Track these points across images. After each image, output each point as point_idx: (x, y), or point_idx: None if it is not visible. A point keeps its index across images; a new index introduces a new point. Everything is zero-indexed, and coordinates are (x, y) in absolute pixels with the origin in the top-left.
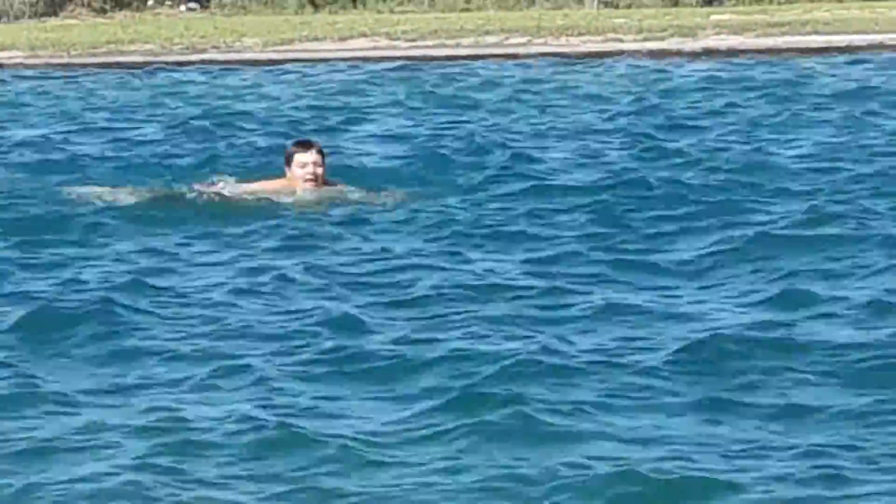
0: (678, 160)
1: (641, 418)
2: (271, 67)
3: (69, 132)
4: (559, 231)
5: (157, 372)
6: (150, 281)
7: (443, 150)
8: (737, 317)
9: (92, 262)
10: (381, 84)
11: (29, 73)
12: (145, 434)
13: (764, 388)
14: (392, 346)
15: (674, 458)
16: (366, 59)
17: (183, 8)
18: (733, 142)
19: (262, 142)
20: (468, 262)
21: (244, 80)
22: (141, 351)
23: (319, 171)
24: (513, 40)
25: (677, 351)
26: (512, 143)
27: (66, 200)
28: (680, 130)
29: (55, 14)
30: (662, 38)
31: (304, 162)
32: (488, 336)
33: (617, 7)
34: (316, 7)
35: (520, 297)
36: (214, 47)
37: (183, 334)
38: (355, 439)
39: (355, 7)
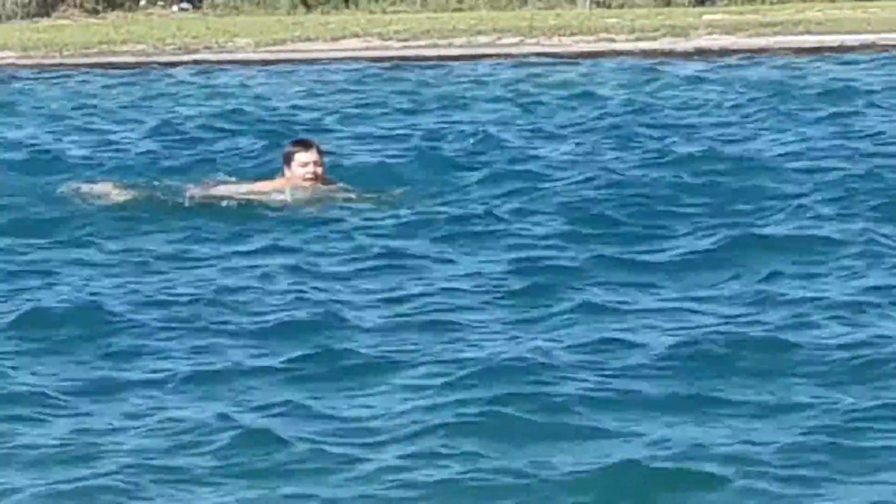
0: (667, 159)
1: (625, 416)
2: (264, 67)
3: (61, 132)
4: (547, 230)
5: (147, 371)
6: (142, 280)
7: (434, 150)
8: (721, 316)
9: (86, 262)
10: (373, 84)
11: (21, 73)
12: (132, 433)
13: (748, 386)
14: (380, 347)
15: (658, 457)
16: (358, 60)
17: (175, 8)
18: (722, 141)
19: (257, 142)
20: (455, 262)
21: (237, 80)
22: (129, 350)
23: (319, 170)
24: (505, 40)
25: (661, 350)
26: (505, 143)
27: (57, 200)
28: (670, 129)
29: (47, 15)
30: (655, 38)
31: (305, 161)
32: (472, 336)
33: (609, 7)
34: (308, 7)
35: (508, 297)
36: (207, 48)
37: (172, 334)
38: (337, 437)
39: (347, 7)
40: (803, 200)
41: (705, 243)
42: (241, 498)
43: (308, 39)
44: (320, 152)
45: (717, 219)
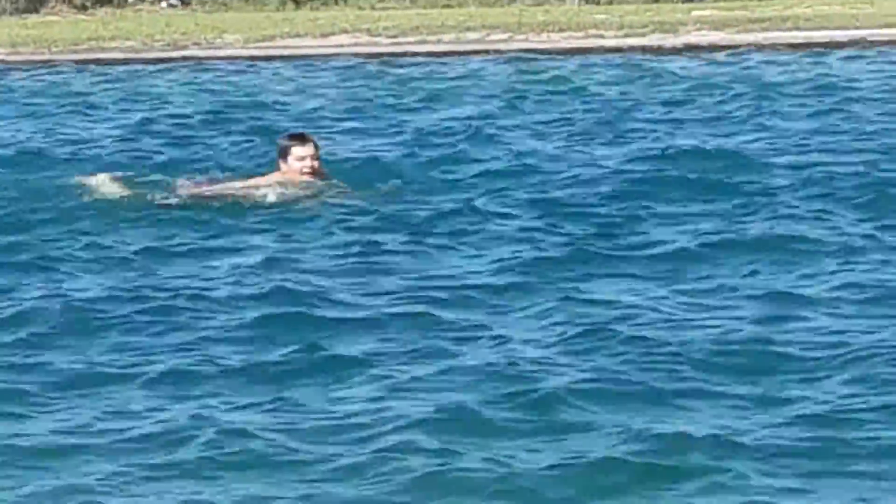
0: (655, 155)
1: (608, 410)
2: (253, 63)
3: (49, 129)
4: (533, 225)
5: (126, 367)
6: (128, 275)
7: (423, 146)
8: (704, 310)
9: (73, 257)
10: (362, 80)
11: (10, 69)
12: (110, 431)
13: (731, 380)
14: (362, 342)
15: (641, 450)
16: (347, 56)
17: (164, 4)
18: (710, 137)
19: (246, 138)
20: (441, 257)
21: (226, 76)
22: (110, 346)
23: (316, 164)
24: (494, 36)
25: (644, 344)
26: (494, 139)
27: (43, 196)
28: (658, 125)
29: (36, 11)
30: (643, 35)
31: (302, 155)
32: (456, 331)
33: (598, 3)
34: (297, 3)
35: (493, 291)
36: (195, 44)
37: (152, 329)
38: (316, 433)
39: (336, 3)
40: (788, 196)
41: (691, 238)
42: (218, 494)
43: (297, 35)
44: (317, 147)
45: (702, 214)
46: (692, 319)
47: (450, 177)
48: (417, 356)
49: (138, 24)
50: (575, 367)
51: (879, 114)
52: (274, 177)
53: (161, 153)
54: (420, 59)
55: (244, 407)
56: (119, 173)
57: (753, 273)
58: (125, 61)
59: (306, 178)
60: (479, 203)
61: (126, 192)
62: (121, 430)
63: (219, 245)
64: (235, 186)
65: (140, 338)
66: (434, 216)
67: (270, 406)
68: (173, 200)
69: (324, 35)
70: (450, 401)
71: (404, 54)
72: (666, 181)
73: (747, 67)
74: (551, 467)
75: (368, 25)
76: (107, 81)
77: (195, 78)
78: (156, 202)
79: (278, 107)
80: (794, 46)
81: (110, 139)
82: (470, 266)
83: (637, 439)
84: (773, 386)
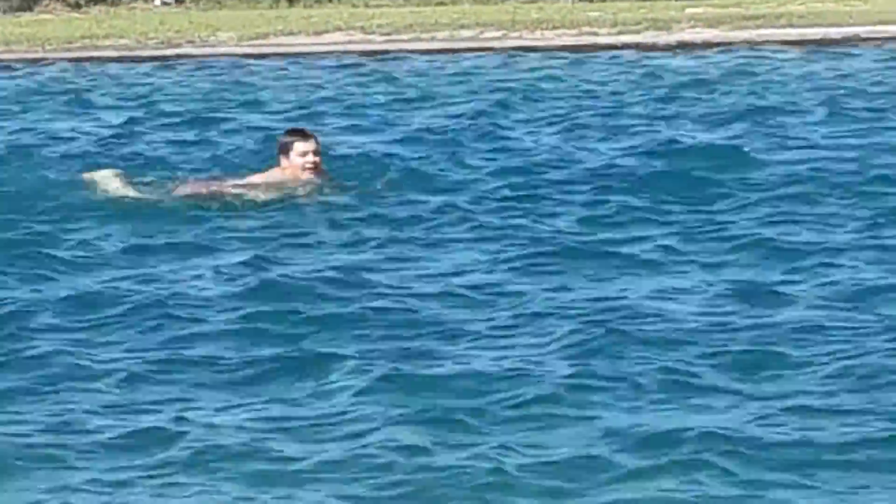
0: (647, 151)
1: (599, 404)
2: (247, 61)
3: (43, 126)
4: (525, 222)
5: (101, 363)
6: (125, 274)
7: (419, 143)
8: (694, 306)
9: (74, 257)
10: (356, 77)
11: (4, 67)
12: (84, 429)
13: (723, 374)
14: (344, 339)
15: (631, 444)
16: (341, 53)
17: (158, 2)
18: (701, 133)
19: (242, 136)
20: (431, 254)
21: (221, 74)
22: (94, 342)
23: (318, 159)
24: (488, 34)
25: (633, 339)
26: (489, 136)
27: (33, 193)
28: (652, 122)
29: (30, 9)
30: (637, 32)
31: (305, 150)
32: (438, 332)
33: (591, 0)
34: (290, 1)
35: (484, 288)
36: (189, 42)
37: (149, 326)
38: (294, 432)
39: (330, 1)
40: (778, 192)
41: (681, 235)
42: (203, 492)
43: (291, 33)
44: (318, 142)
45: (692, 211)
46: (680, 315)
47: (443, 174)
48: (406, 353)
49: (132, 23)
50: (564, 362)
51: (871, 110)
52: (274, 173)
53: (155, 151)
54: (414, 56)
55: (231, 405)
56: (118, 171)
57: (743, 269)
58: (119, 59)
59: (308, 173)
60: (471, 200)
61: (123, 190)
62: (104, 428)
63: (216, 243)
64: (234, 184)
65: (129, 333)
66: (426, 213)
67: (258, 404)
68: (170, 198)
69: (317, 33)
70: (438, 398)
71: (398, 52)
72: (659, 177)
73: (740, 64)
74: (539, 464)
75: (362, 23)
76: (100, 79)
77: (189, 76)
78: (152, 200)
79: (272, 104)
80: (788, 43)
81: (104, 137)
82: (462, 263)
83: (624, 434)
84: (761, 381)
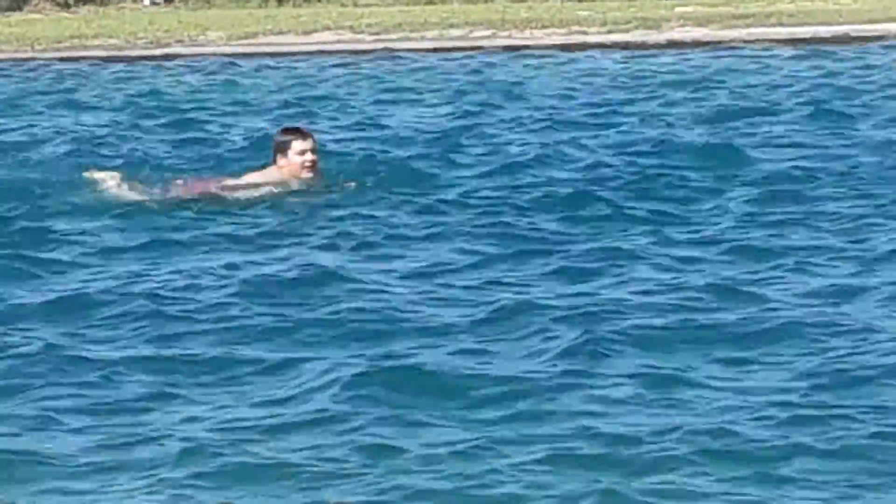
0: (636, 150)
1: (588, 400)
2: (236, 61)
3: (35, 126)
4: (514, 220)
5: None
6: (118, 274)
7: (409, 142)
8: (668, 305)
9: (68, 255)
10: (345, 76)
11: None
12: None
13: (714, 368)
14: (345, 342)
15: (624, 437)
16: (330, 53)
17: (147, 2)
18: (694, 131)
19: (231, 135)
20: (415, 253)
21: (210, 73)
22: (102, 340)
23: (316, 157)
24: (477, 33)
25: (624, 334)
26: (477, 134)
27: (32, 192)
28: (643, 120)
29: (19, 9)
30: (627, 31)
31: (304, 149)
32: (435, 324)
33: (581, 0)
34: (280, 1)
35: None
36: (178, 41)
37: (142, 325)
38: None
39: (319, 1)
40: (764, 191)
41: (665, 233)
42: (167, 490)
43: (280, 33)
44: (315, 141)
45: (680, 210)
46: (665, 313)
47: (431, 172)
48: (389, 353)
49: (121, 22)
50: (545, 359)
51: (862, 107)
52: (271, 172)
53: (144, 151)
54: (403, 55)
55: (214, 404)
56: (115, 172)
57: (728, 267)
58: (108, 59)
59: (307, 172)
60: (458, 199)
61: (119, 190)
62: (85, 428)
63: (210, 242)
64: (231, 184)
65: (115, 333)
66: (413, 212)
67: (241, 403)
68: (166, 199)
69: (306, 32)
70: (421, 396)
71: (387, 51)
72: (644, 176)
73: (729, 63)
74: (523, 462)
75: (351, 22)
76: (89, 79)
77: (178, 75)
78: (148, 200)
79: (261, 104)
80: (778, 42)
81: (94, 137)
82: (445, 261)
83: (606, 432)
84: (745, 378)
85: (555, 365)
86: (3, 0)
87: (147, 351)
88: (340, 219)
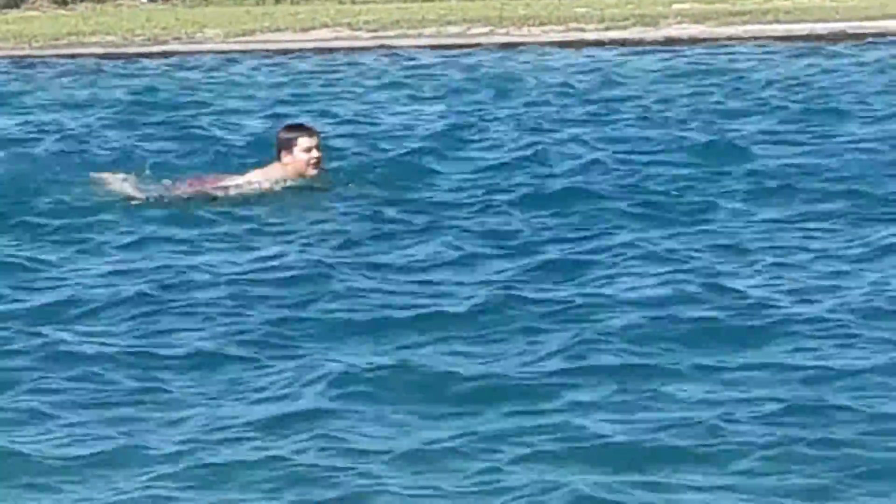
0: (632, 148)
1: (586, 392)
2: (233, 58)
3: (33, 125)
4: (509, 219)
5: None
6: (116, 271)
7: (405, 139)
8: (659, 303)
9: (72, 257)
10: (342, 74)
11: None
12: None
13: (710, 361)
14: (341, 341)
15: (621, 430)
16: (328, 50)
17: None
18: (690, 129)
19: (228, 132)
20: (410, 253)
21: (207, 71)
22: (97, 336)
23: (321, 154)
24: (475, 30)
25: (618, 331)
26: (473, 132)
27: (29, 190)
28: (639, 119)
29: (17, 6)
30: (624, 28)
31: (309, 146)
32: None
33: None
34: None
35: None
36: (176, 39)
37: (137, 323)
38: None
39: None
40: (758, 188)
41: (658, 231)
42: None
43: (277, 30)
44: (319, 138)
45: (673, 208)
46: (655, 312)
47: (427, 170)
48: (383, 351)
49: (118, 19)
50: (534, 359)
51: (858, 105)
52: (275, 168)
53: (142, 148)
54: (400, 52)
55: (204, 401)
56: (121, 173)
57: (720, 265)
58: (106, 56)
59: (312, 169)
60: (451, 197)
61: (122, 187)
62: (81, 423)
63: (213, 240)
64: (231, 181)
65: (110, 328)
66: (409, 208)
67: (232, 400)
68: (170, 197)
69: (304, 29)
70: (413, 394)
71: (385, 48)
72: (636, 174)
73: (727, 61)
74: (513, 459)
75: (349, 19)
76: (87, 76)
77: (176, 73)
78: (144, 197)
79: (258, 101)
80: (774, 39)
81: (92, 135)
82: (437, 260)
83: (598, 430)
84: (735, 377)
85: (545, 362)
86: None
87: (138, 348)
88: (334, 216)
